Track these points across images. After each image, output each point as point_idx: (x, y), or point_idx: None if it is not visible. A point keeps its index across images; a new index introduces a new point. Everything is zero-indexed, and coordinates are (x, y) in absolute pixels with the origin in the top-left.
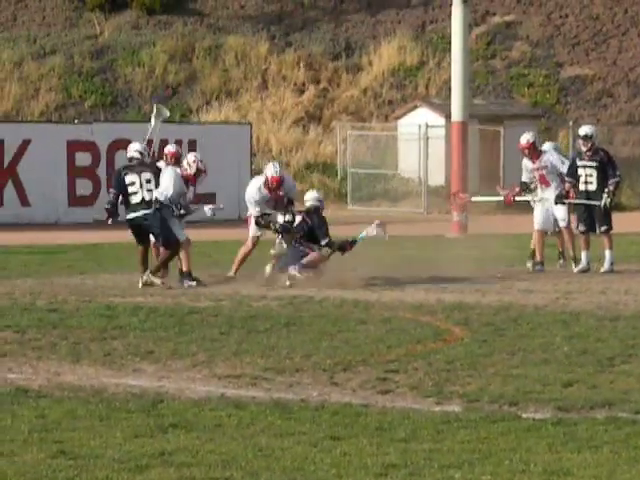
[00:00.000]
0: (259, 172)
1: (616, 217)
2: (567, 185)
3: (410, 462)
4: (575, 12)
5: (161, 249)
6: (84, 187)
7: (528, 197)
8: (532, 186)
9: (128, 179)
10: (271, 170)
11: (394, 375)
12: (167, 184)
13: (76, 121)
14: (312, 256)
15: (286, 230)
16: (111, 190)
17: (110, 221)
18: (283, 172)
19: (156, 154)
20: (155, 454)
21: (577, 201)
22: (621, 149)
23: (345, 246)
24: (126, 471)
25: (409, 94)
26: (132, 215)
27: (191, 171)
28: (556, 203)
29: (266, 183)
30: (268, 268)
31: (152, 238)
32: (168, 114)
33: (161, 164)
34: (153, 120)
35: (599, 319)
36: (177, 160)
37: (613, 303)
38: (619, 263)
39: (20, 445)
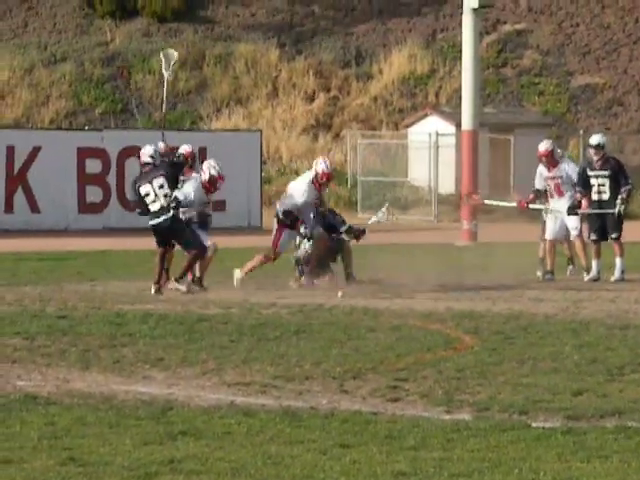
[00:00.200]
0: (269, 180)
1: (627, 226)
2: (578, 195)
3: (420, 470)
4: (586, 21)
5: (185, 253)
6: (94, 194)
7: (541, 206)
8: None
9: (143, 191)
10: (322, 165)
11: (404, 383)
12: (190, 190)
13: (86, 128)
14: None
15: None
16: (131, 200)
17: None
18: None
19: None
20: (164, 461)
21: (590, 211)
22: (632, 158)
23: (359, 234)
24: (135, 478)
25: (419, 102)
26: (155, 222)
27: (205, 177)
28: (569, 214)
29: (315, 179)
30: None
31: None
32: (175, 55)
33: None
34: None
35: (609, 328)
36: (193, 160)
37: (623, 312)
38: (629, 272)
39: (29, 452)
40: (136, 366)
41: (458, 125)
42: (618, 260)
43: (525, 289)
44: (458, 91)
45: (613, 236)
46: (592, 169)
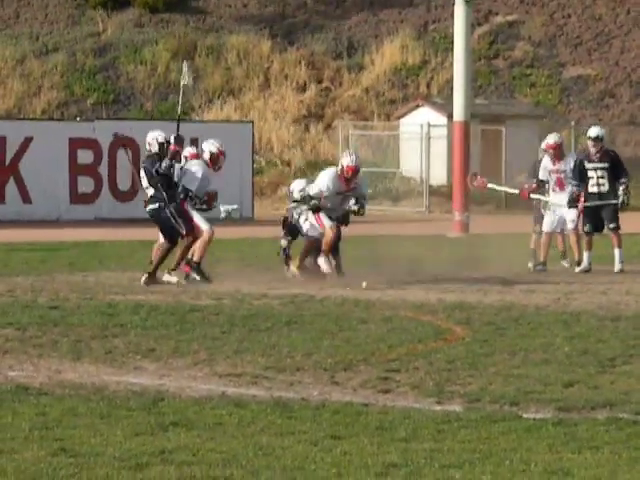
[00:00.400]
0: (260, 171)
1: (621, 217)
2: (575, 189)
3: (411, 461)
4: (577, 12)
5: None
6: (86, 185)
7: (542, 197)
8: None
9: (141, 174)
10: (347, 159)
11: (395, 374)
12: (194, 176)
13: (78, 119)
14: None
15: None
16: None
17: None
18: (360, 163)
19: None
20: (155, 452)
21: (591, 203)
22: (623, 149)
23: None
24: (126, 469)
25: (411, 93)
26: (146, 209)
27: (206, 157)
28: (570, 207)
29: (341, 172)
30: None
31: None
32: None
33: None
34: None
35: (600, 319)
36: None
37: (614, 303)
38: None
39: (21, 443)
40: (127, 357)
41: (450, 116)
42: (617, 251)
43: (516, 280)
44: (450, 82)
45: (611, 226)
46: (590, 161)
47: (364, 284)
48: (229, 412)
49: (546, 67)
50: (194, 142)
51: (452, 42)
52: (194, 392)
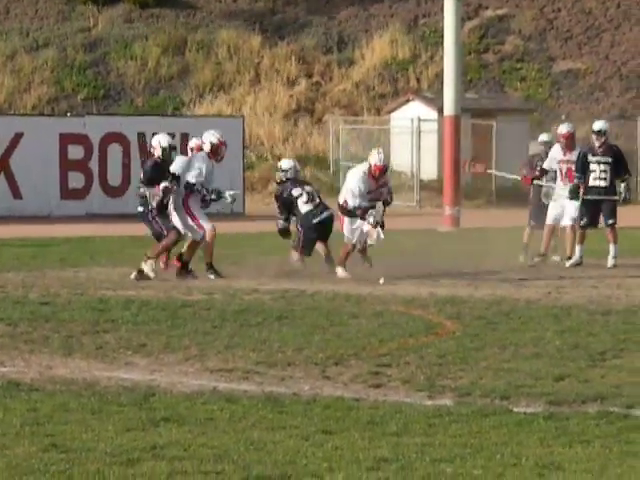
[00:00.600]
0: (251, 166)
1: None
2: (577, 181)
3: (402, 456)
4: (568, 6)
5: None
6: (76, 180)
7: (544, 183)
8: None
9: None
10: (375, 158)
11: (386, 369)
12: (198, 171)
13: (68, 114)
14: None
15: (382, 224)
16: None
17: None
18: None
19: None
20: (147, 448)
21: (592, 197)
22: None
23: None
24: (118, 464)
25: (401, 88)
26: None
27: (207, 148)
28: (571, 198)
29: (369, 171)
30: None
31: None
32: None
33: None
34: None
35: (591, 313)
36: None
37: (605, 297)
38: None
39: (12, 438)
40: (118, 352)
41: (440, 110)
42: (612, 247)
43: (507, 274)
44: (440, 76)
45: (609, 222)
46: (594, 154)
47: (381, 280)
48: (220, 407)
49: (536, 61)
50: (185, 137)
51: (442, 36)
52: (185, 387)
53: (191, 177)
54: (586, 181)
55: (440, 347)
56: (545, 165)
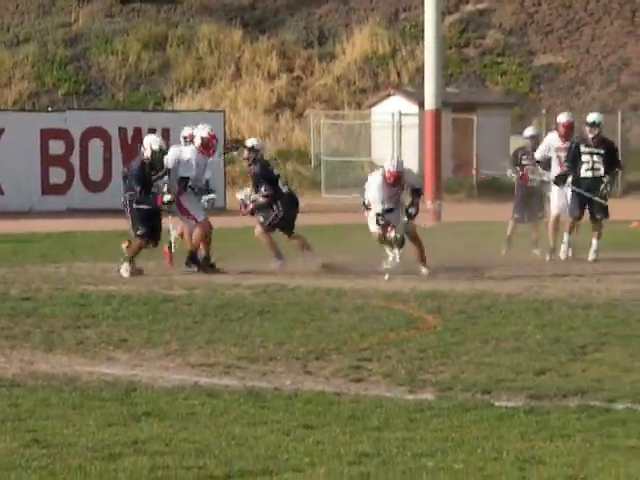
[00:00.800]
0: (232, 160)
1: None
2: (566, 170)
3: (383, 450)
4: (548, 0)
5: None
6: (57, 175)
7: (540, 176)
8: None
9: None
10: (388, 164)
11: (367, 363)
12: (188, 164)
13: (49, 109)
14: None
15: (402, 242)
16: None
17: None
18: (402, 166)
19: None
20: (128, 442)
21: (589, 194)
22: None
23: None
24: (99, 459)
25: (382, 82)
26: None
27: (197, 143)
28: (555, 183)
29: (384, 178)
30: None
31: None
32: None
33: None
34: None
35: (572, 307)
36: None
37: (586, 291)
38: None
39: None
40: (100, 347)
41: (421, 105)
42: (595, 241)
43: (488, 268)
44: (420, 71)
45: (598, 217)
46: (587, 145)
47: (386, 277)
48: (202, 402)
49: (517, 55)
50: (165, 132)
51: (423, 30)
52: (166, 382)
53: (184, 171)
54: (577, 172)
55: (421, 341)
56: (537, 156)
